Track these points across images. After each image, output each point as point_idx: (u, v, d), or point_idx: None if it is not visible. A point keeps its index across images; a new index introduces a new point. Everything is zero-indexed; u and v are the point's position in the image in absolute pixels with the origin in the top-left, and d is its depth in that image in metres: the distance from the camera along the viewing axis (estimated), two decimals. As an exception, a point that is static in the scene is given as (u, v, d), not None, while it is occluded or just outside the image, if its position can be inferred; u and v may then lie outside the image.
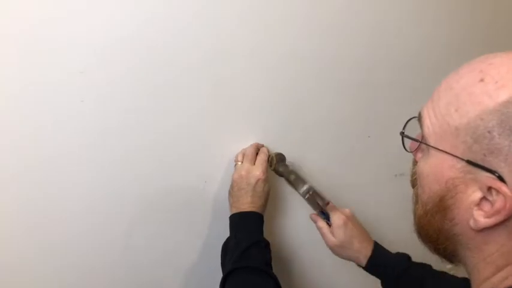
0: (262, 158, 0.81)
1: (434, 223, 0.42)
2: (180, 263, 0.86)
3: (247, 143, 0.86)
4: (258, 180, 0.77)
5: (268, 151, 0.84)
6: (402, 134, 0.48)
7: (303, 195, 0.81)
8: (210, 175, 0.84)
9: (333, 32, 0.90)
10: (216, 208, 0.86)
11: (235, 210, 0.77)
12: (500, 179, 0.36)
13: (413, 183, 0.47)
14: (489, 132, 0.36)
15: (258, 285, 0.69)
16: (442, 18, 1.07)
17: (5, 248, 0.69)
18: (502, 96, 0.36)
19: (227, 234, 0.77)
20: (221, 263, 0.78)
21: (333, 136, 0.96)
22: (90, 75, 0.68)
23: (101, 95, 0.70)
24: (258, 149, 0.83)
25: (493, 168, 0.36)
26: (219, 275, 0.70)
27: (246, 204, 0.76)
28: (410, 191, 0.49)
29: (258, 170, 0.78)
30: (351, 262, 0.78)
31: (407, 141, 0.48)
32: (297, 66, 0.88)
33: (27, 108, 0.65)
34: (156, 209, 0.80)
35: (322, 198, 0.80)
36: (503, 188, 0.35)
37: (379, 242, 0.79)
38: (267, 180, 0.79)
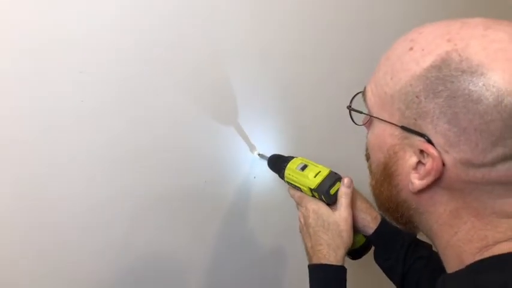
0: None
1: (384, 191, 0.44)
2: (180, 262, 0.86)
3: (247, 142, 0.86)
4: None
5: None
6: (349, 107, 0.50)
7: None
8: (210, 175, 0.84)
9: (333, 31, 0.90)
10: (215, 207, 0.86)
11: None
12: (429, 141, 0.37)
13: (367, 157, 0.48)
14: (417, 97, 0.37)
15: None
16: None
17: (5, 247, 0.69)
18: (427, 62, 0.37)
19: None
20: None
21: (332, 136, 0.96)
22: (90, 75, 0.67)
23: (101, 94, 0.70)
24: None
25: (422, 132, 0.38)
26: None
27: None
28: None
29: None
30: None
31: (355, 116, 0.50)
32: (297, 66, 0.88)
33: (27, 107, 0.65)
34: (156, 208, 0.80)
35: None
36: (430, 149, 0.37)
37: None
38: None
